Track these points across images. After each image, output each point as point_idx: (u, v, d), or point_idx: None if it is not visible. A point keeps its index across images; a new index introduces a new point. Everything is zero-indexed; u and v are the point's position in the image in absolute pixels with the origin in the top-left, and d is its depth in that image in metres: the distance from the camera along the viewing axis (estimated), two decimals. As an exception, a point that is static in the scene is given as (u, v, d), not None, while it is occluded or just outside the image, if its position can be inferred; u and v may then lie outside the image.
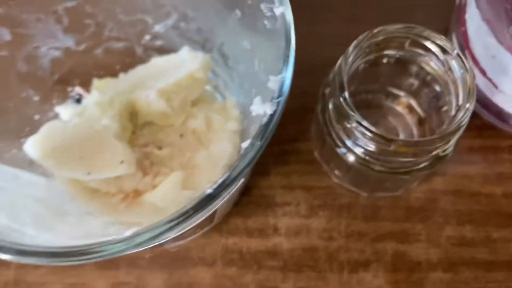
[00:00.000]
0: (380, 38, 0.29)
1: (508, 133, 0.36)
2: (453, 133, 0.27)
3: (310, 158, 0.36)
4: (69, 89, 0.32)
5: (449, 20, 0.37)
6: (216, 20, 0.29)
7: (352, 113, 0.26)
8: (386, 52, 0.30)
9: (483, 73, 0.32)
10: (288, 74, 0.19)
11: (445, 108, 0.31)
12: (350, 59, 0.28)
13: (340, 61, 0.29)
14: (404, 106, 0.35)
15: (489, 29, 0.29)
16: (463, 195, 0.35)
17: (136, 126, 0.31)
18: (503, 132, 0.36)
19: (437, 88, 0.31)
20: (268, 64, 0.23)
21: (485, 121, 0.36)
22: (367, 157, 0.29)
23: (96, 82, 0.33)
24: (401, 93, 0.35)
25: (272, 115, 0.19)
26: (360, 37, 0.28)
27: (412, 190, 0.35)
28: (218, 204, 0.19)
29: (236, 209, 0.34)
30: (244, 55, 0.28)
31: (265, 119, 0.19)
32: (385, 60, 0.31)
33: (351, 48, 0.28)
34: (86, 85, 0.33)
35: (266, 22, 0.23)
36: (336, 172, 0.34)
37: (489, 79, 0.32)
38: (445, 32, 0.37)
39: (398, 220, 0.35)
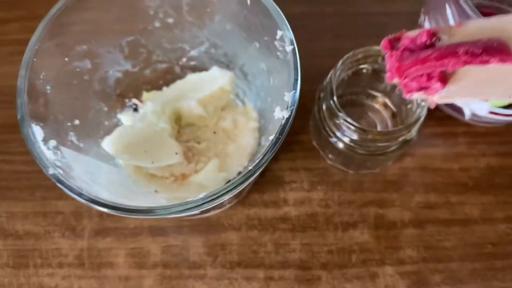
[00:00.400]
0: (360, 56, 0.38)
1: (462, 121, 0.44)
2: (413, 124, 0.36)
3: (310, 146, 0.45)
4: (126, 100, 0.42)
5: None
6: (239, 48, 0.38)
7: (339, 113, 0.36)
8: (364, 65, 0.39)
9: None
10: (297, 92, 0.29)
11: (409, 105, 0.40)
12: (338, 72, 0.38)
13: (330, 74, 0.38)
14: (380, 103, 0.44)
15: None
16: (428, 171, 0.44)
17: (180, 127, 0.40)
18: (458, 121, 0.44)
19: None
20: (281, 81, 0.33)
21: (444, 113, 0.45)
22: (352, 144, 0.38)
23: (145, 94, 0.42)
24: (378, 94, 0.44)
25: (288, 118, 0.28)
26: (345, 56, 0.38)
27: (388, 168, 0.44)
28: (253, 178, 0.29)
29: (254, 187, 0.43)
30: (261, 73, 0.37)
31: (283, 121, 0.28)
32: (364, 71, 0.40)
33: (339, 64, 0.38)
34: (138, 97, 0.42)
35: (279, 53, 0.32)
36: (330, 156, 0.43)
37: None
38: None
39: (378, 191, 0.43)
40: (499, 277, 0.41)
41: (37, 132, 0.30)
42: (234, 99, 0.43)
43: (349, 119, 0.35)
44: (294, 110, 0.29)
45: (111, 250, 0.42)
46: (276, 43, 0.32)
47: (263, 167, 0.28)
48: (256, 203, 0.43)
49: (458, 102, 0.29)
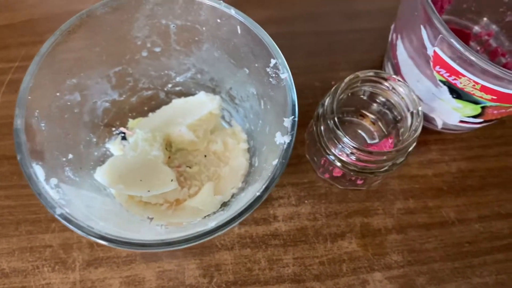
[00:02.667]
0: (360, 78, 0.38)
1: (433, 130, 0.47)
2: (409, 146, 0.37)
3: (294, 162, 0.46)
4: (113, 129, 0.41)
5: (383, 51, 0.49)
6: (227, 73, 0.38)
7: (344, 137, 0.35)
8: (362, 88, 0.40)
9: (413, 91, 0.44)
10: (296, 117, 0.30)
11: (402, 129, 0.40)
12: (338, 94, 0.37)
13: (330, 97, 0.37)
14: (370, 123, 0.45)
15: (413, 64, 0.41)
16: (406, 178, 0.46)
17: (170, 152, 0.41)
18: (430, 130, 0.47)
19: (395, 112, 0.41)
20: (274, 104, 0.34)
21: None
22: (347, 164, 0.38)
23: (131, 122, 0.42)
24: (371, 115, 0.44)
25: (289, 143, 0.30)
26: (347, 79, 0.37)
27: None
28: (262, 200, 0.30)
29: (244, 206, 0.44)
30: (250, 97, 0.38)
31: (285, 146, 0.30)
32: (360, 93, 0.41)
33: (342, 85, 0.37)
34: (124, 124, 0.42)
35: (271, 79, 0.33)
36: (321, 170, 0.44)
37: (417, 96, 0.44)
38: (381, 59, 0.49)
39: (361, 200, 0.45)
40: (477, 273, 0.43)
41: (38, 171, 0.29)
42: (220, 121, 0.43)
43: (354, 143, 0.35)
44: (294, 134, 0.30)
45: (105, 280, 0.42)
46: (268, 69, 0.33)
47: (270, 190, 0.29)
48: (247, 221, 0.44)
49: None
